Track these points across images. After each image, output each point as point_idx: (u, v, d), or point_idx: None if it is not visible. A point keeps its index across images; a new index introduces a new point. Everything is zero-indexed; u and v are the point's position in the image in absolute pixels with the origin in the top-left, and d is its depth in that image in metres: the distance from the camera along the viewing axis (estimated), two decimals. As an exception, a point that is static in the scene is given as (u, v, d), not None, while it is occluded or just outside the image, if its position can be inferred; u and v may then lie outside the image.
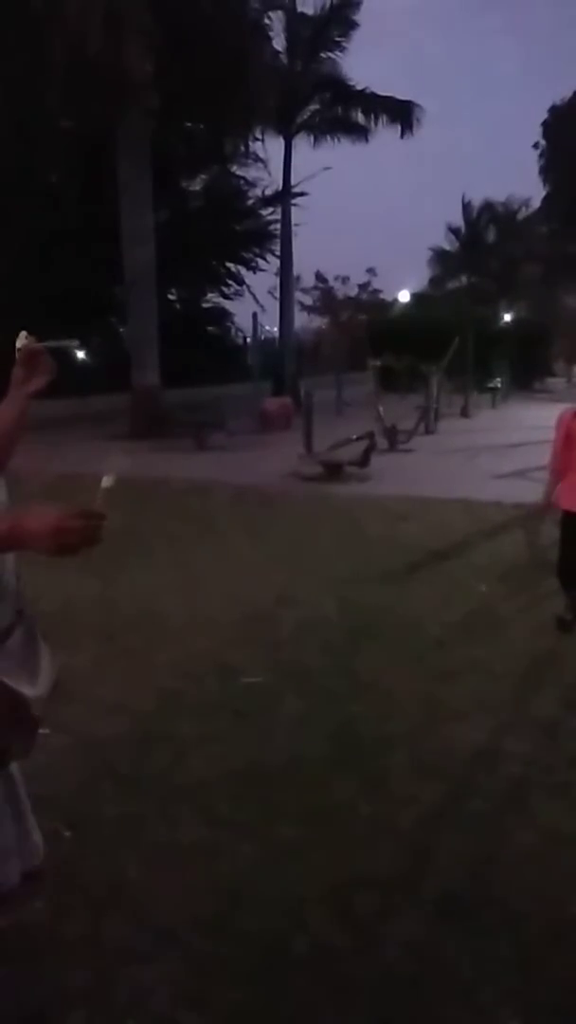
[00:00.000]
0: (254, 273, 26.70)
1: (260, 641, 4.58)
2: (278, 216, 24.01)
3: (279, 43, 20.86)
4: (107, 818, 2.86)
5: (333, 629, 4.78)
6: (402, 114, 22.12)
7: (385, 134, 22.62)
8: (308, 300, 38.21)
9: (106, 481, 1.60)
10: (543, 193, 37.21)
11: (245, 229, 26.08)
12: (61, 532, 1.52)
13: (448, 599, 5.33)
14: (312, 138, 22.91)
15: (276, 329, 24.53)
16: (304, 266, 35.53)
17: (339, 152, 27.33)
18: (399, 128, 22.22)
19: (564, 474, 4.47)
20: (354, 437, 11.32)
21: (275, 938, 2.31)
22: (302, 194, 23.83)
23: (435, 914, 2.36)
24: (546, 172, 35.63)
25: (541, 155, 35.69)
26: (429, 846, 2.67)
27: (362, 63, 28.31)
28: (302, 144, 22.81)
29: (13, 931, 2.21)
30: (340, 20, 21.48)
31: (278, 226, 24.11)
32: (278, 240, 24.13)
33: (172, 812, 2.89)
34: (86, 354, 23.77)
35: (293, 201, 23.25)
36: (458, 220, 41.27)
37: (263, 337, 23.14)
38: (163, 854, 2.65)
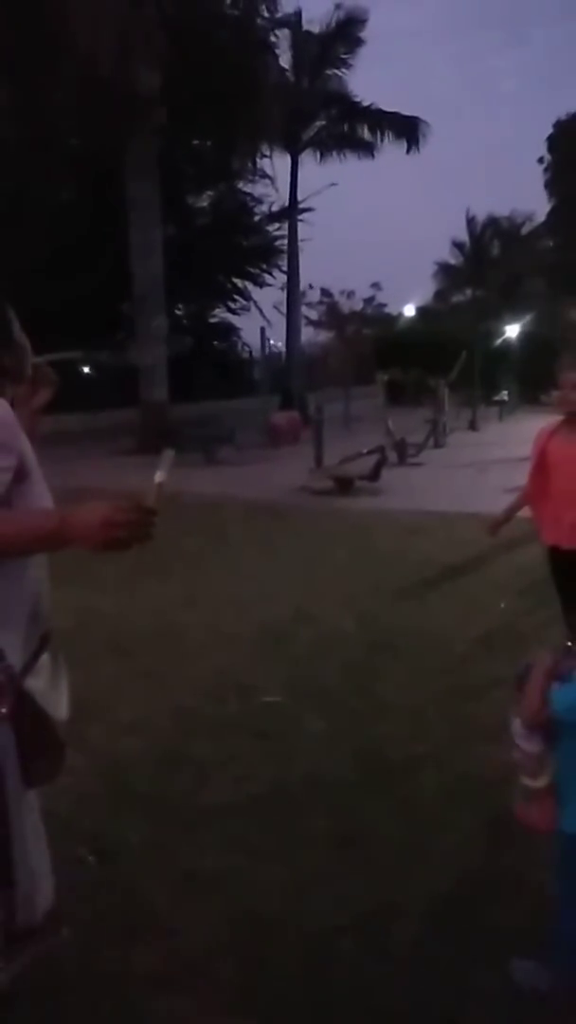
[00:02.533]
0: (261, 288, 26.79)
1: (278, 658, 4.52)
2: (285, 232, 24.14)
3: (286, 60, 21.04)
4: (131, 843, 2.79)
5: (352, 646, 4.72)
6: (408, 130, 22.23)
7: (391, 150, 22.76)
8: (314, 315, 38.27)
9: (159, 476, 1.56)
10: (547, 207, 37.38)
11: (252, 245, 26.16)
12: (111, 525, 1.48)
13: (467, 615, 5.26)
14: (318, 154, 23.06)
15: (282, 344, 24.58)
16: (310, 281, 35.64)
17: (345, 168, 27.54)
18: (405, 144, 22.34)
19: (541, 502, 3.80)
20: (364, 451, 11.30)
21: (308, 968, 2.24)
22: (308, 210, 23.96)
23: (474, 943, 2.29)
24: (551, 186, 35.79)
25: (546, 169, 35.87)
26: (465, 872, 2.59)
27: (367, 80, 28.48)
28: (308, 160, 22.97)
29: (41, 962, 2.14)
30: (346, 37, 21.63)
31: (284, 242, 24.23)
32: (284, 255, 24.23)
33: (197, 837, 2.82)
34: (94, 369, 23.88)
35: (299, 217, 23.36)
36: (463, 235, 41.40)
37: (270, 352, 23.18)
38: (190, 881, 2.58)
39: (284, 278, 24.37)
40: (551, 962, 2.10)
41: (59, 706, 1.89)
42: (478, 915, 2.41)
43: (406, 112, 22.40)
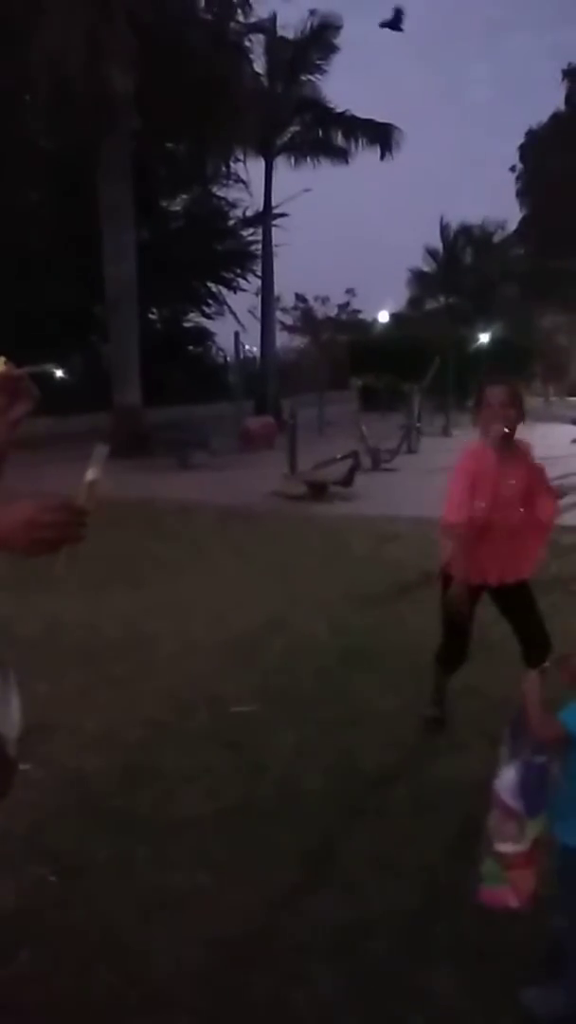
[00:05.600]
0: (235, 293, 26.70)
1: (250, 667, 4.45)
2: (259, 237, 24.09)
3: (260, 65, 20.99)
4: (95, 861, 2.70)
5: (325, 654, 4.66)
6: (382, 136, 22.30)
7: (365, 156, 22.82)
8: (288, 320, 38.35)
9: (90, 474, 1.48)
10: (518, 216, 37.79)
11: (226, 249, 26.07)
12: (35, 526, 1.39)
13: (440, 621, 5.22)
14: (293, 160, 23.04)
15: (257, 348, 24.52)
16: (284, 286, 35.72)
17: (319, 174, 27.45)
18: (379, 150, 22.41)
19: (478, 538, 3.38)
20: (338, 456, 11.27)
21: (275, 993, 2.17)
22: (283, 215, 23.93)
23: (448, 962, 2.23)
24: (523, 195, 36.19)
25: (518, 178, 36.27)
26: (437, 887, 2.54)
27: (342, 86, 28.60)
28: (283, 165, 22.96)
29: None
30: (320, 43, 21.66)
31: (259, 247, 24.18)
32: (259, 260, 24.18)
33: (163, 854, 2.74)
34: (66, 373, 23.63)
35: (274, 222, 23.33)
36: (436, 242, 41.69)
37: (244, 356, 23.11)
38: (155, 900, 2.50)
39: (258, 283, 24.34)
40: (563, 984, 2.00)
41: (9, 722, 1.81)
42: (449, 932, 2.35)
43: (380, 119, 22.52)
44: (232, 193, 24.98)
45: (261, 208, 23.23)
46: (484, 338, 27.64)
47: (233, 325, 24.96)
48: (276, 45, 21.38)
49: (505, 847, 1.87)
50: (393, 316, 39.99)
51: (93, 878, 2.62)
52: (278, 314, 28.10)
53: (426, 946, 2.31)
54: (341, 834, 2.85)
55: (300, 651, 4.70)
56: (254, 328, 24.34)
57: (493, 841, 1.90)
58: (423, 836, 2.80)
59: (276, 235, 23.44)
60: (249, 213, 25.01)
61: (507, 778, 1.89)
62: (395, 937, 2.35)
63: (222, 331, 27.55)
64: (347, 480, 10.75)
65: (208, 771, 3.28)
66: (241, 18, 17.32)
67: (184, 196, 25.35)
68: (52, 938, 2.35)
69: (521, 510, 3.34)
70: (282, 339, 31.45)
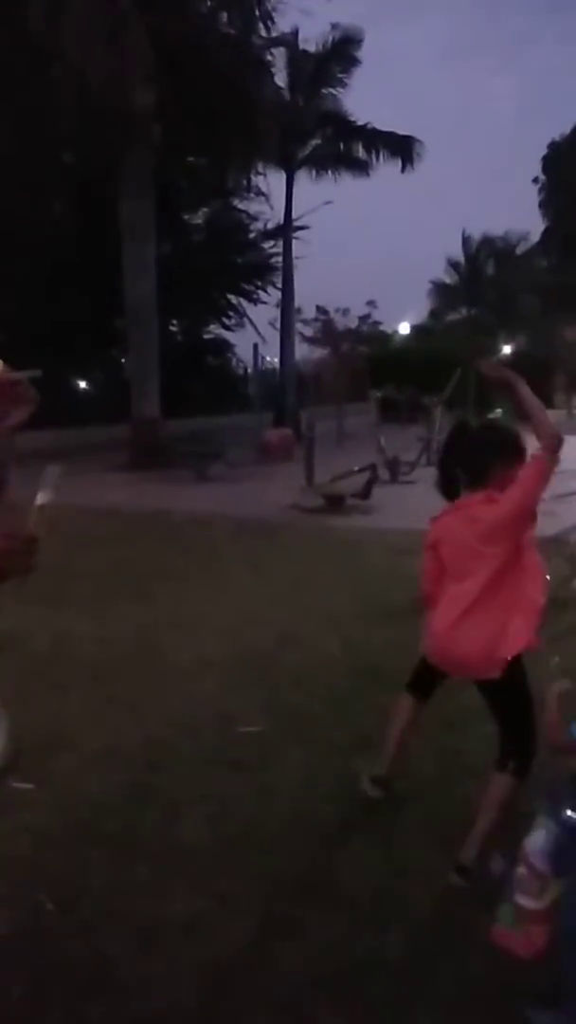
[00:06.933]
0: (255, 305, 26.69)
1: (260, 685, 4.36)
2: (279, 249, 24.10)
3: (281, 79, 21.09)
4: (93, 888, 2.62)
5: (337, 672, 4.56)
6: (403, 149, 22.27)
7: (386, 169, 22.81)
8: (309, 331, 38.31)
9: (40, 498, 1.40)
10: (541, 227, 37.58)
11: (246, 262, 26.14)
12: None
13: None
14: (313, 172, 23.09)
15: (277, 360, 24.52)
16: (305, 298, 35.70)
17: (340, 186, 27.49)
18: (400, 163, 22.39)
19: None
20: (356, 469, 11.19)
21: (275, 1032, 2.07)
22: (303, 227, 23.98)
23: (454, 1005, 2.12)
24: (546, 206, 36.03)
25: (541, 189, 36.13)
26: (447, 924, 2.43)
27: (363, 100, 28.69)
28: (303, 178, 23.00)
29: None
30: (342, 57, 21.71)
31: (279, 259, 24.20)
32: (279, 272, 24.21)
33: (163, 882, 2.65)
34: (87, 384, 23.77)
35: (294, 234, 23.37)
36: (458, 254, 41.51)
37: (264, 368, 23.11)
38: (153, 932, 2.42)
39: (279, 295, 24.35)
40: (565, 1010, 1.92)
41: None
42: (457, 971, 2.24)
43: (402, 131, 22.49)
44: (253, 206, 25.05)
45: (282, 221, 23.28)
46: (506, 350, 27.46)
47: (253, 337, 24.96)
48: (298, 59, 21.45)
49: (525, 901, 1.83)
50: (414, 328, 39.88)
51: (91, 905, 2.54)
52: (298, 326, 28.03)
53: (432, 984, 2.20)
54: (348, 863, 2.75)
55: (311, 669, 4.61)
56: (274, 340, 24.37)
57: (515, 891, 1.85)
58: (435, 869, 2.69)
59: (296, 247, 23.49)
60: (270, 226, 25.07)
61: (538, 840, 1.84)
62: (400, 973, 2.25)
63: (242, 343, 27.57)
64: (365, 493, 10.66)
65: (212, 794, 3.19)
66: (263, 32, 17.41)
67: (205, 209, 25.49)
68: (45, 969, 2.27)
69: None
70: (302, 351, 31.39)
